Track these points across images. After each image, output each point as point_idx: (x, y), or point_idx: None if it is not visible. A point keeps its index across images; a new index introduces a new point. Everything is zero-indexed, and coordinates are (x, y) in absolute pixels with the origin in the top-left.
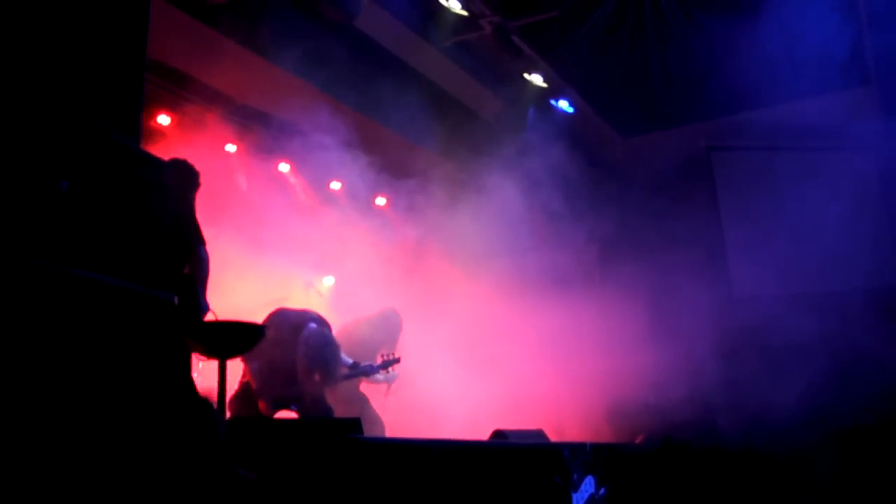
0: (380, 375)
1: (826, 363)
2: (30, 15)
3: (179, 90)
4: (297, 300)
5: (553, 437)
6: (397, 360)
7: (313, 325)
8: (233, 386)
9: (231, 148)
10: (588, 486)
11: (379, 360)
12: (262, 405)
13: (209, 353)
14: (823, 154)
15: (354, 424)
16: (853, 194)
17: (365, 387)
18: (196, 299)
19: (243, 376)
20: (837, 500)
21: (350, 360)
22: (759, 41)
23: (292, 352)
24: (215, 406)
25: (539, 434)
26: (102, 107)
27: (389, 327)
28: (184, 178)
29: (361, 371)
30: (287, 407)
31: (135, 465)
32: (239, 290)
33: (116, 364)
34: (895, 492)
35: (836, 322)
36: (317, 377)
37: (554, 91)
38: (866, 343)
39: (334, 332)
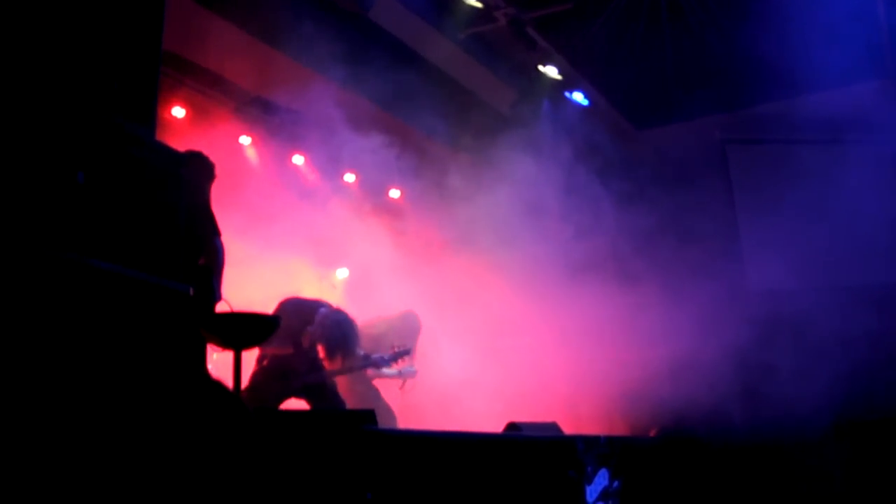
0: (392, 370)
1: (843, 356)
2: (46, 8)
3: (194, 82)
4: (311, 292)
5: (567, 430)
6: (407, 352)
7: (323, 309)
8: (244, 377)
9: (245, 140)
10: (602, 478)
11: (390, 352)
12: (272, 396)
13: (224, 345)
14: (840, 146)
15: (369, 416)
16: (869, 187)
17: (378, 381)
18: (211, 290)
19: (255, 367)
20: (851, 493)
21: (362, 352)
22: (775, 33)
23: (303, 339)
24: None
25: (553, 427)
26: (118, 98)
27: (406, 329)
28: (199, 169)
29: (373, 362)
30: (298, 396)
31: (148, 456)
32: (253, 281)
33: (131, 354)
34: None
35: (853, 315)
36: (339, 357)
37: (569, 83)
38: (882, 336)
39: None
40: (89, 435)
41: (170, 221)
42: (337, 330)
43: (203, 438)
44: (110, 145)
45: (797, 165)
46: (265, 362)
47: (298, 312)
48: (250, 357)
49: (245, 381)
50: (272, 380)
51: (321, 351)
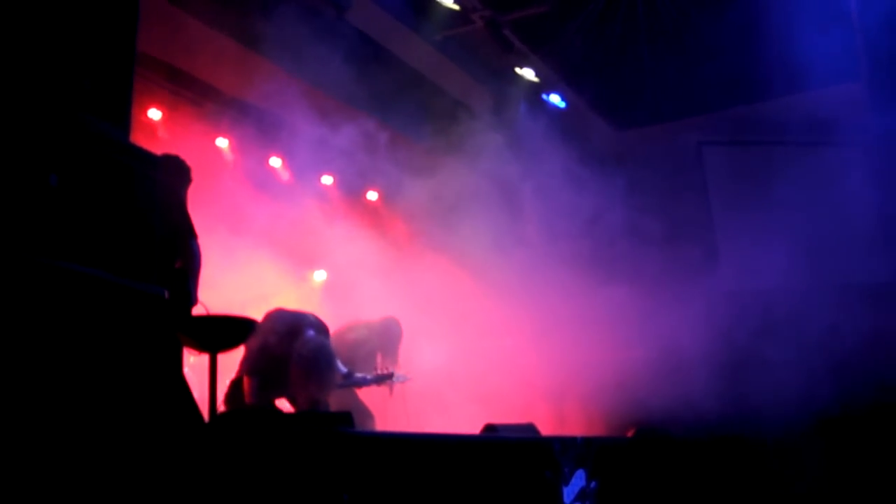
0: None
1: (818, 355)
2: (18, 7)
3: (171, 84)
4: (289, 295)
5: (545, 432)
6: (391, 376)
7: (311, 332)
8: (224, 384)
9: (222, 142)
10: (579, 479)
11: (373, 364)
12: (253, 402)
13: (200, 348)
14: (814, 149)
15: (345, 418)
16: (843, 190)
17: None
18: (187, 294)
19: (236, 375)
20: (829, 489)
21: (345, 370)
22: (750, 37)
23: (287, 356)
24: (207, 400)
25: (530, 428)
26: (92, 100)
27: (387, 336)
28: (175, 172)
29: (354, 382)
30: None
31: (125, 458)
32: (230, 284)
33: (107, 358)
34: (880, 479)
35: (827, 315)
36: (312, 386)
37: (545, 85)
38: (856, 336)
39: (331, 331)
40: (63, 438)
41: (145, 224)
42: (314, 362)
43: (176, 440)
44: (84, 148)
45: (773, 167)
46: (247, 369)
47: (284, 326)
48: (233, 361)
49: (226, 385)
50: (254, 388)
51: (294, 375)
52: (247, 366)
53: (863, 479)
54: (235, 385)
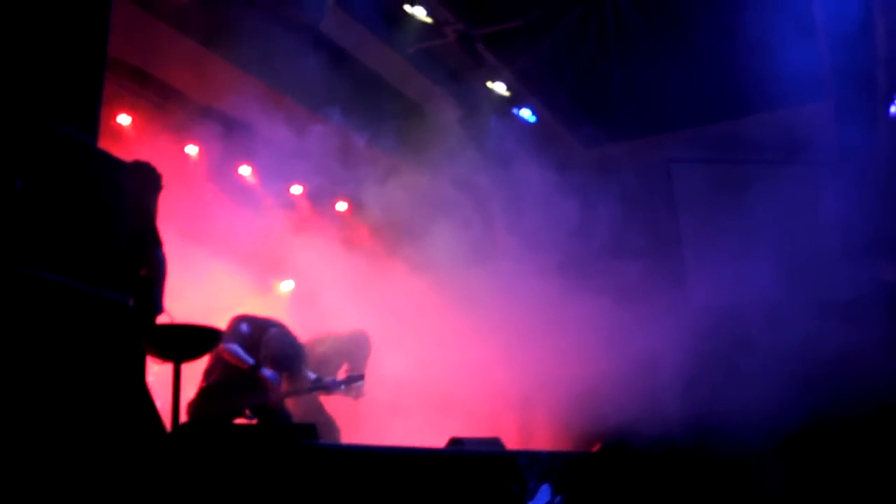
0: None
1: (790, 370)
2: None
3: (140, 90)
4: (256, 304)
5: (511, 445)
6: (361, 378)
7: (274, 329)
8: (191, 392)
9: (192, 149)
10: (544, 494)
11: (341, 376)
12: (219, 412)
13: (164, 357)
14: (787, 167)
15: (309, 430)
16: (810, 208)
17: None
18: (152, 302)
19: (202, 382)
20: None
21: (313, 376)
22: (720, 56)
23: (254, 358)
24: (170, 408)
25: (496, 442)
26: (61, 105)
27: (356, 350)
28: (145, 179)
29: (323, 386)
30: (245, 416)
31: (86, 467)
32: (196, 293)
33: (69, 366)
34: (842, 493)
35: (793, 331)
36: (285, 378)
37: (516, 100)
38: (828, 351)
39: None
40: (22, 445)
41: (110, 231)
42: (284, 350)
43: (138, 449)
44: (50, 153)
45: (746, 184)
46: (213, 378)
47: (251, 326)
48: (196, 371)
49: (192, 395)
50: (220, 396)
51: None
52: (218, 369)
53: (829, 493)
54: (201, 394)
